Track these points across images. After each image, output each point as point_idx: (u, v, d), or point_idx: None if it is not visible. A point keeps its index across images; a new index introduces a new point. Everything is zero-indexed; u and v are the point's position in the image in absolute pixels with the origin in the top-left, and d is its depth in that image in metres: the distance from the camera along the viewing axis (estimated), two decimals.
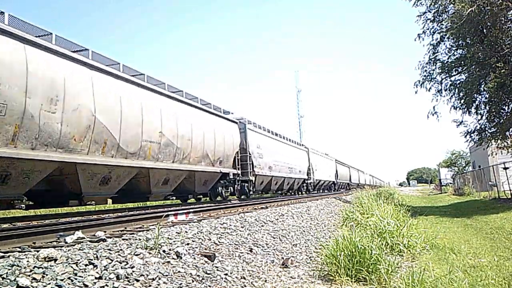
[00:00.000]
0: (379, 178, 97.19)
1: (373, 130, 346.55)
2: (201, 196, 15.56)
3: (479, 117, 16.76)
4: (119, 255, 4.03)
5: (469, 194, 26.09)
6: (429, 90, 16.90)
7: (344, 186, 46.78)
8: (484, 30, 14.97)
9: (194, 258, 4.62)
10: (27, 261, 3.42)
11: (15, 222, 7.93)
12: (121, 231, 6.11)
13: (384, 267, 4.93)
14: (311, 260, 6.09)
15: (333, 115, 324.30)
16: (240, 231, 6.75)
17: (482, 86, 15.74)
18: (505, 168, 19.93)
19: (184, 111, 12.16)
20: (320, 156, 34.33)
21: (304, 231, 8.35)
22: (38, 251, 3.70)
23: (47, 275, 3.17)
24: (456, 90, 16.23)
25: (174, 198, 13.21)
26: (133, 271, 3.66)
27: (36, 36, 7.49)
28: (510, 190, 18.38)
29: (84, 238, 5.12)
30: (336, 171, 40.68)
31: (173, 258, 4.40)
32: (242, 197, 17.05)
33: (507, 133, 16.11)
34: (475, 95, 16.08)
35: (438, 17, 16.11)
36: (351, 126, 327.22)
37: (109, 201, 10.45)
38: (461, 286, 4.25)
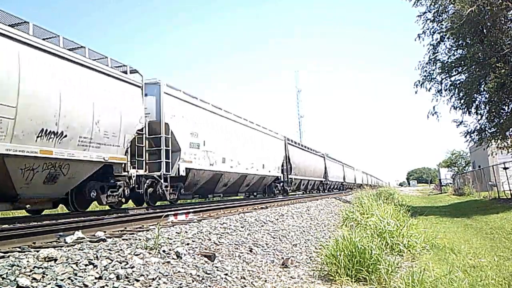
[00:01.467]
0: (376, 176, 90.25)
1: (373, 130, 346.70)
2: None
3: (479, 117, 16.81)
4: (119, 255, 4.03)
5: (469, 194, 26.10)
6: (429, 90, 16.93)
7: (313, 186, 31.13)
8: (484, 30, 14.97)
9: (194, 258, 4.62)
10: (27, 261, 3.41)
11: (15, 222, 7.92)
12: (121, 231, 6.11)
13: (384, 267, 4.92)
14: (311, 260, 6.08)
15: (333, 115, 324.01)
16: (240, 231, 6.74)
17: (482, 86, 15.75)
18: (505, 168, 19.93)
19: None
20: (236, 123, 16.98)
21: (304, 231, 8.35)
22: (38, 251, 3.70)
23: (47, 275, 3.17)
24: (456, 90, 16.24)
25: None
26: (133, 271, 3.66)
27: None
28: (510, 190, 18.38)
29: (84, 238, 5.12)
30: (288, 160, 23.47)
31: (173, 258, 4.40)
32: None
33: (507, 133, 16.11)
34: (475, 95, 16.09)
35: (438, 17, 16.13)
36: (351, 126, 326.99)
37: None
38: (461, 286, 4.25)
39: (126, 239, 4.86)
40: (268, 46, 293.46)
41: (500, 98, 15.37)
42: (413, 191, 57.35)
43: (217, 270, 4.49)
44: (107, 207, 10.62)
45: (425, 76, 16.86)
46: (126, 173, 10.21)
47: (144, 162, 10.87)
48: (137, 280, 3.52)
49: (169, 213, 7.88)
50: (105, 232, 5.77)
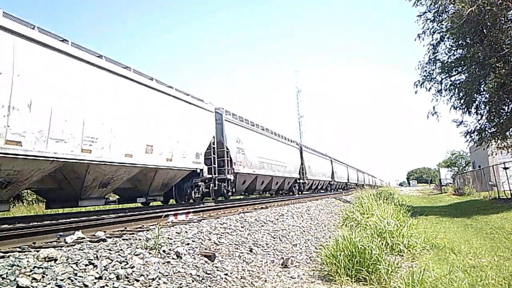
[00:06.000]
0: (376, 176, 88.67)
1: (373, 130, 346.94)
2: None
3: (479, 117, 16.77)
4: (119, 255, 4.03)
5: (469, 194, 26.10)
6: (429, 90, 16.89)
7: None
8: (484, 30, 14.95)
9: (194, 258, 4.62)
10: (27, 261, 3.41)
11: (15, 222, 7.93)
12: (121, 231, 6.10)
13: (384, 267, 4.93)
14: (311, 260, 6.09)
15: (333, 115, 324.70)
16: (240, 231, 6.75)
17: (482, 86, 15.75)
18: (505, 168, 19.93)
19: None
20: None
21: (304, 231, 8.35)
22: (38, 251, 3.70)
23: (47, 275, 3.17)
24: (456, 90, 16.22)
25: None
26: (133, 271, 3.66)
27: None
28: (510, 190, 18.38)
29: (84, 238, 5.12)
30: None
31: (173, 258, 4.40)
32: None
33: (507, 133, 16.11)
34: (475, 95, 16.07)
35: (438, 17, 16.10)
36: (351, 126, 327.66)
37: None
38: (461, 286, 4.25)
39: (126, 239, 4.85)
40: (268, 46, 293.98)
41: (500, 98, 15.36)
42: (413, 191, 57.28)
43: (217, 270, 4.49)
44: (107, 207, 10.84)
45: (425, 76, 16.84)
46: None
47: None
48: (137, 280, 3.52)
49: (169, 213, 7.88)
50: (105, 232, 5.77)
